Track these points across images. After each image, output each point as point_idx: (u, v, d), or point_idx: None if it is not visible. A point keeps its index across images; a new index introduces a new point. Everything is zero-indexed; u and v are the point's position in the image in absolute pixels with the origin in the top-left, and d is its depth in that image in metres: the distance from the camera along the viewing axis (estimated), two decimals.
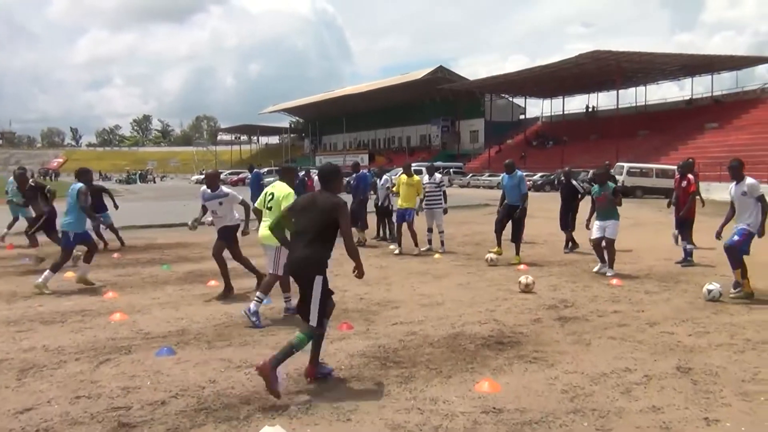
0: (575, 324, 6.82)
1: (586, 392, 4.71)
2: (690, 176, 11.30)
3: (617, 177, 12.19)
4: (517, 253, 11.31)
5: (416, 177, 12.98)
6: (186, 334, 6.42)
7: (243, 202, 8.69)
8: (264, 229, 6.91)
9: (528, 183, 17.53)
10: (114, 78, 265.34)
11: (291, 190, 7.13)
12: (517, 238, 11.46)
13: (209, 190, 8.47)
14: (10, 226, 13.85)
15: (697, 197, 11.71)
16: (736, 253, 7.90)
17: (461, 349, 5.87)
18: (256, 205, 7.52)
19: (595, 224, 10.08)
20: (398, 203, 12.96)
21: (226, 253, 8.55)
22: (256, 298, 6.90)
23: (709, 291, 7.88)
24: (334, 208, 4.96)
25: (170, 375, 5.13)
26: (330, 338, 6.19)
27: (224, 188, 8.65)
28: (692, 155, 42.33)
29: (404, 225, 12.58)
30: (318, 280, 4.85)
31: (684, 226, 11.21)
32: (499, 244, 11.59)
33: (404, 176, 12.90)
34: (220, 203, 8.40)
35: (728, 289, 8.02)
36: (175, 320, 7.02)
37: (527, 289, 8.49)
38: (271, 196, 7.17)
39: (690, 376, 5.05)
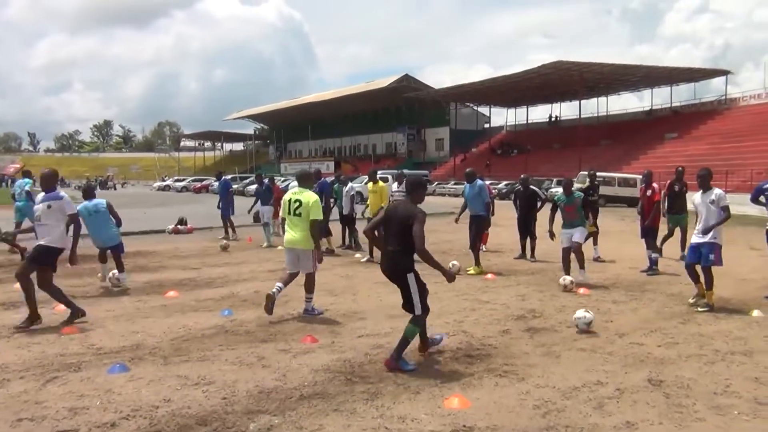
0: (544, 335, 6.70)
1: (558, 407, 4.56)
2: (655, 185, 11.30)
3: (577, 185, 11.93)
4: (476, 264, 11.09)
5: (381, 183, 12.81)
6: (141, 349, 6.10)
7: (73, 217, 7.31)
8: (290, 234, 7.51)
9: (493, 191, 17.55)
10: (74, 82, 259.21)
11: (317, 197, 7.54)
12: (474, 246, 11.28)
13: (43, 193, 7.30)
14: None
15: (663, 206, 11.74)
16: (710, 272, 7.91)
17: (430, 362, 5.70)
18: (280, 214, 7.92)
19: (562, 233, 10.01)
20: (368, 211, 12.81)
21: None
22: (306, 299, 7.67)
23: (579, 318, 6.82)
24: (411, 215, 5.47)
25: (122, 394, 4.82)
26: (293, 352, 5.97)
27: (61, 192, 7.35)
28: (653, 164, 43.23)
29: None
30: (410, 277, 5.55)
31: (649, 234, 11.16)
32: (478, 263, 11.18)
33: (370, 184, 12.72)
34: (49, 206, 7.08)
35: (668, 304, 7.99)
36: (129, 334, 6.68)
37: (567, 289, 9.12)
38: (297, 203, 7.42)
39: (662, 389, 4.95)
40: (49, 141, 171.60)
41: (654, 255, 10.96)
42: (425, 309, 5.64)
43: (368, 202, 13.19)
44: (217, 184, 17.49)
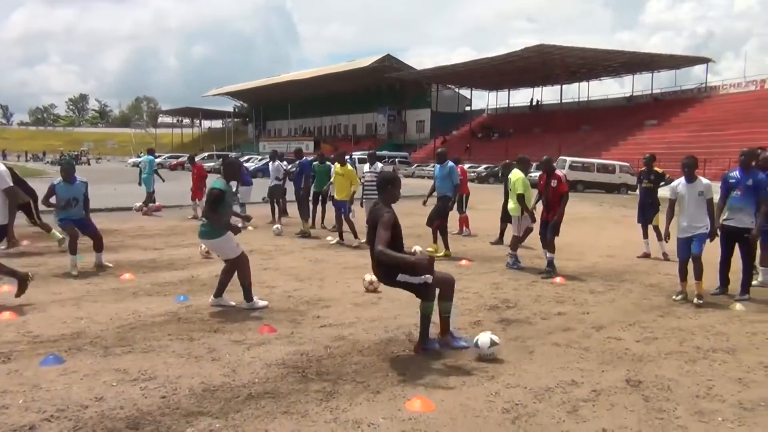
0: (518, 328, 6.32)
1: (530, 411, 4.18)
2: (559, 173, 9.62)
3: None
4: (435, 241, 10.88)
5: (348, 166, 12.31)
6: (81, 338, 5.61)
7: (11, 191, 6.70)
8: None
9: (472, 174, 17.22)
10: (50, 55, 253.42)
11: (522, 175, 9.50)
12: (436, 225, 10.92)
13: None
14: None
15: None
16: (701, 260, 7.55)
17: (393, 357, 5.28)
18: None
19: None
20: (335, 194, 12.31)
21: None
22: (509, 255, 9.41)
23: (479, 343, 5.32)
24: (378, 218, 5.22)
25: (50, 390, 4.35)
26: (247, 343, 5.54)
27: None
28: (632, 151, 43.23)
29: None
30: (401, 276, 5.25)
31: (550, 231, 9.38)
32: (446, 247, 10.88)
33: (337, 165, 12.22)
34: None
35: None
36: (73, 320, 6.19)
37: (370, 287, 7.77)
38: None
39: (641, 391, 4.60)
40: (23, 114, 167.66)
41: (550, 255, 9.35)
42: (432, 291, 5.35)
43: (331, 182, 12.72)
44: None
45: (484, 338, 5.27)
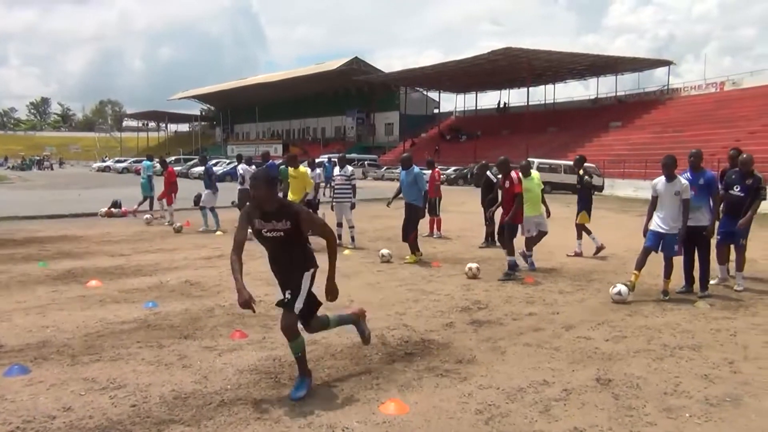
0: (489, 329, 6.37)
1: (502, 412, 4.22)
2: (513, 175, 9.41)
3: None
4: (413, 252, 10.63)
5: (302, 168, 12.01)
6: (48, 347, 5.49)
7: None
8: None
9: (442, 177, 17.22)
10: (10, 57, 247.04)
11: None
12: (407, 234, 10.69)
13: None
14: None
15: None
16: (672, 261, 7.79)
17: (366, 360, 5.28)
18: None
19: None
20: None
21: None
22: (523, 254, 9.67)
23: (618, 292, 7.61)
24: None
25: (15, 401, 4.25)
26: (219, 350, 5.49)
27: None
28: (598, 152, 43.89)
29: None
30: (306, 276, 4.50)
31: (507, 233, 9.46)
32: (416, 251, 10.75)
33: (290, 168, 11.92)
34: None
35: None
36: (38, 329, 6.05)
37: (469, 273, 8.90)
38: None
39: (611, 389, 4.67)
40: None
41: (510, 258, 9.26)
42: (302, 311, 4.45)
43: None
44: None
45: (616, 287, 7.59)
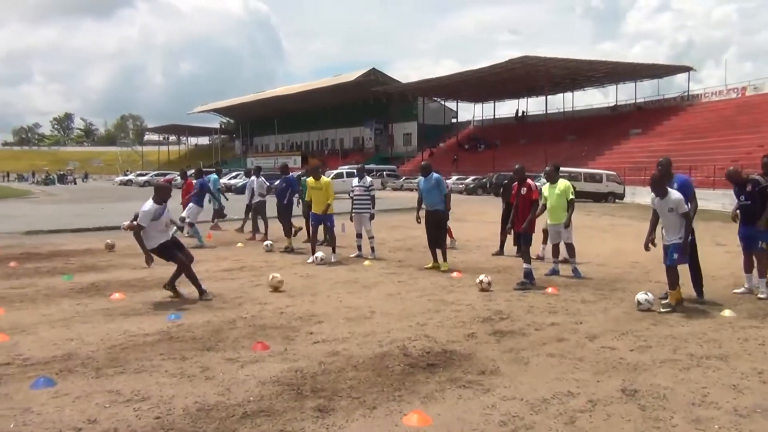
0: (512, 339, 6.32)
1: (527, 424, 4.17)
2: (530, 182, 9.59)
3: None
4: (445, 260, 10.74)
5: (324, 179, 11.96)
6: (73, 359, 5.54)
7: None
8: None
9: (460, 186, 17.21)
10: (34, 74, 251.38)
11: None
12: (440, 243, 10.85)
13: None
14: None
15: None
16: (676, 271, 7.65)
17: (388, 372, 5.25)
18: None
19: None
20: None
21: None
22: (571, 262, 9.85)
23: (640, 302, 7.59)
24: None
25: (41, 414, 4.29)
26: (241, 361, 5.50)
27: None
28: (618, 160, 43.59)
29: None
30: None
31: (524, 241, 9.57)
32: (435, 259, 10.86)
33: (311, 179, 11.94)
34: None
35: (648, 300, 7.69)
36: (63, 342, 6.12)
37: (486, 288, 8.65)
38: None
39: (637, 400, 4.60)
40: (6, 134, 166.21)
41: (527, 266, 9.24)
42: None
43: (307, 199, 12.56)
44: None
45: (642, 294, 7.59)
